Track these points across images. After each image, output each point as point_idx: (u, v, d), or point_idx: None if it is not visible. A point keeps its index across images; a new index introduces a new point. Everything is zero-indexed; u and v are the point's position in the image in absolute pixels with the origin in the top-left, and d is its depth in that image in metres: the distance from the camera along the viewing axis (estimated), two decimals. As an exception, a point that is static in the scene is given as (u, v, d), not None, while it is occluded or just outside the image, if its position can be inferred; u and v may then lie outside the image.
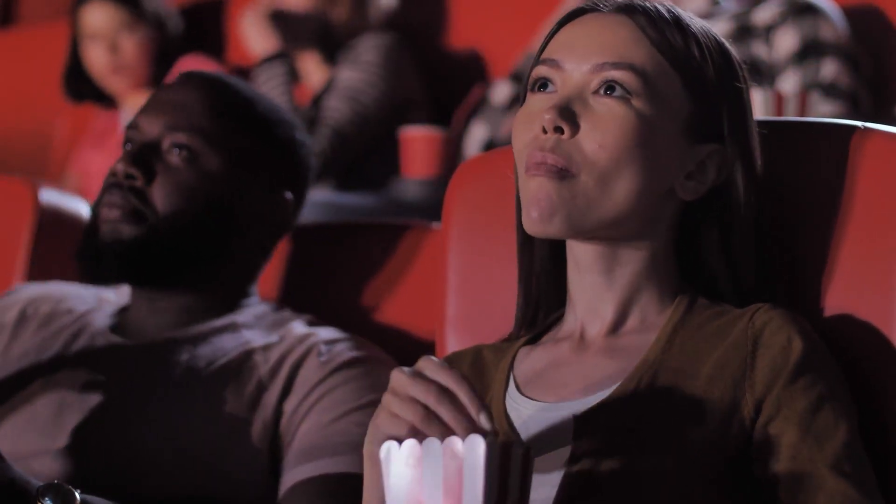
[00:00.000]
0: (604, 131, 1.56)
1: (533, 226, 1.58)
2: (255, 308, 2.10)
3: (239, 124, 2.08)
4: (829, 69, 2.93)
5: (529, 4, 3.56)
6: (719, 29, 2.97)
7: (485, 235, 1.87)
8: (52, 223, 2.37)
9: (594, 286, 1.63)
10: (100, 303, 2.15)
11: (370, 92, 3.37)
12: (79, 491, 1.75)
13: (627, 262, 1.62)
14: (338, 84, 3.40)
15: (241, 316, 2.07)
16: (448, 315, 1.87)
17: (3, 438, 1.92)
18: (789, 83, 2.92)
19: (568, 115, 1.57)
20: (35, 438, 1.97)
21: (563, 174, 1.56)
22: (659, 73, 1.59)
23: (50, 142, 4.05)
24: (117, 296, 2.16)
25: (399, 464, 1.41)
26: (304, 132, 2.19)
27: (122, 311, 2.12)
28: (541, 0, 3.50)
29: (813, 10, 2.98)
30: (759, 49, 2.97)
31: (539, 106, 1.60)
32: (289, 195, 2.12)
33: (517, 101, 3.21)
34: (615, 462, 1.52)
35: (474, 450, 1.38)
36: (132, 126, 2.08)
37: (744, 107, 1.63)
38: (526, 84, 1.64)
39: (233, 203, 2.07)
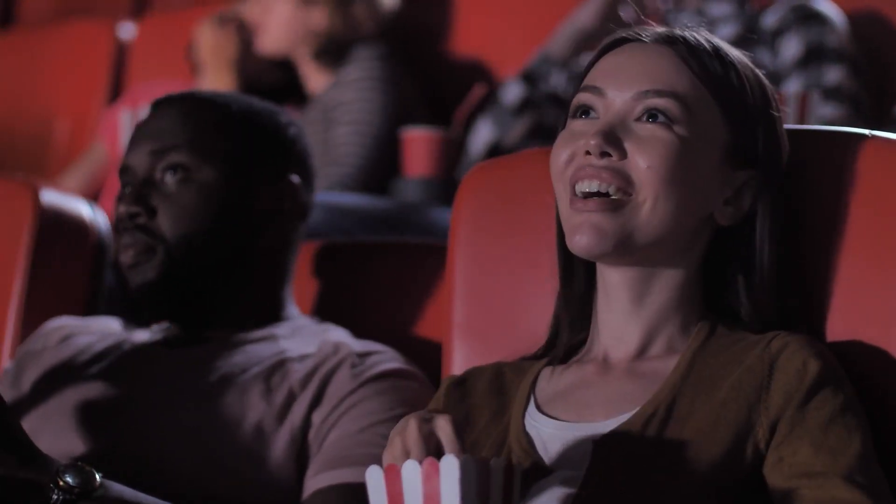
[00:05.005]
0: (650, 154, 1.60)
1: (581, 250, 1.61)
2: (295, 321, 2.12)
3: (222, 127, 2.10)
4: (832, 75, 2.93)
5: (532, 4, 3.56)
6: (725, 34, 2.98)
7: (492, 242, 1.87)
8: (52, 224, 2.37)
9: (622, 313, 1.65)
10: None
11: (372, 116, 3.37)
12: (100, 473, 1.76)
13: (658, 291, 1.65)
14: (339, 113, 3.39)
15: (279, 328, 2.09)
16: (455, 320, 1.88)
17: (38, 439, 1.94)
18: (792, 88, 2.92)
19: (613, 139, 1.61)
20: (68, 441, 1.99)
21: (614, 204, 1.60)
22: (699, 102, 1.62)
23: (50, 142, 4.05)
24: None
25: (381, 487, 1.43)
26: (287, 115, 2.20)
27: (163, 329, 2.14)
28: (544, 0, 3.50)
29: (818, 18, 2.99)
30: (763, 55, 2.98)
31: (581, 130, 1.63)
32: (294, 178, 2.13)
33: (528, 104, 3.21)
34: (630, 484, 1.53)
35: (450, 468, 1.41)
36: (124, 170, 2.10)
37: (777, 136, 1.67)
38: (566, 111, 1.67)
39: (239, 206, 2.08)
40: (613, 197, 1.60)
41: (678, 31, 1.67)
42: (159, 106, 2.14)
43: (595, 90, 1.65)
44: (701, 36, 1.67)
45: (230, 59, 3.53)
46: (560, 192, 1.65)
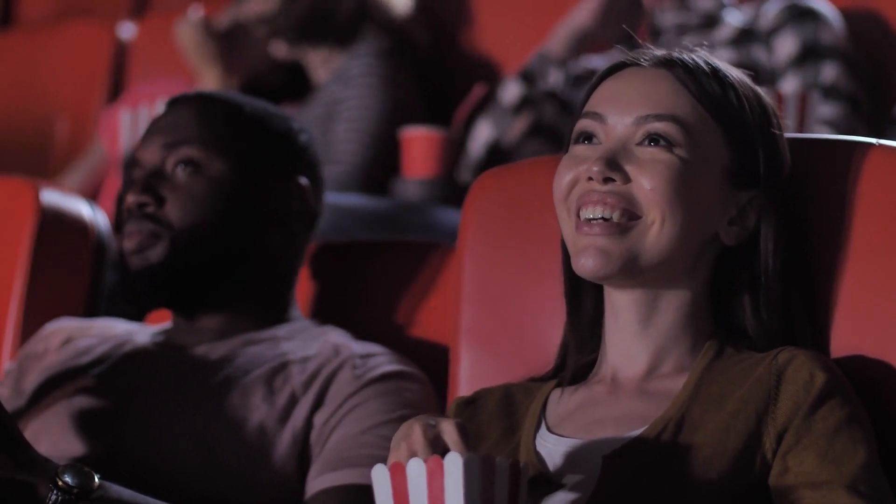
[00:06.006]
0: (652, 176, 1.61)
1: (587, 272, 1.62)
2: (296, 323, 2.12)
3: (234, 127, 2.11)
4: (828, 72, 2.94)
5: (533, 4, 3.56)
6: (722, 34, 2.98)
7: (499, 248, 1.88)
8: (53, 224, 2.37)
9: (631, 334, 1.66)
10: (141, 327, 2.19)
11: (370, 114, 3.37)
12: (98, 475, 1.77)
13: (665, 311, 1.66)
14: (339, 109, 3.39)
15: (281, 330, 2.09)
16: (462, 325, 1.88)
17: (40, 442, 1.95)
18: (789, 86, 2.93)
19: (614, 165, 1.61)
20: (70, 443, 1.99)
21: (620, 228, 1.61)
22: (699, 124, 1.63)
23: (50, 142, 4.05)
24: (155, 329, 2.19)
25: (387, 485, 1.44)
26: (300, 122, 2.21)
27: (165, 331, 2.14)
28: (545, 0, 3.50)
29: (812, 15, 2.99)
30: (759, 53, 2.99)
31: (584, 155, 1.65)
32: (303, 180, 2.14)
33: (526, 102, 3.21)
34: (640, 497, 1.54)
35: (454, 466, 1.42)
36: (134, 163, 2.10)
37: (779, 154, 1.67)
38: (569, 136, 1.68)
39: (248, 203, 2.09)
40: (618, 221, 1.61)
41: (676, 54, 1.68)
42: (173, 104, 2.16)
43: (596, 116, 1.66)
44: (699, 58, 1.68)
45: (211, 55, 3.53)
46: (563, 217, 1.66)
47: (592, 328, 1.71)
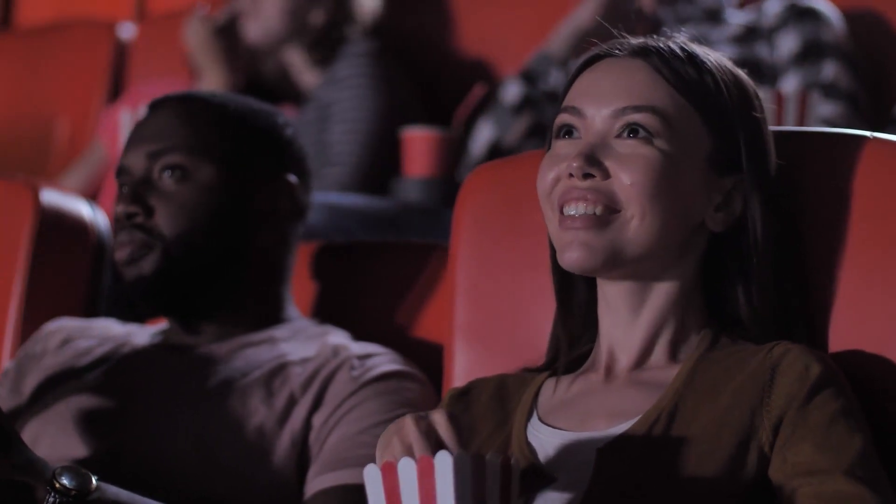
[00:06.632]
0: (632, 170, 1.60)
1: (571, 265, 1.62)
2: (295, 323, 2.12)
3: (219, 128, 2.10)
4: (829, 70, 2.95)
5: (532, 3, 3.56)
6: (728, 31, 2.98)
7: (494, 243, 1.88)
8: (52, 224, 2.37)
9: (622, 323, 1.66)
10: (140, 328, 2.19)
11: (364, 114, 3.37)
12: (96, 476, 1.76)
13: (656, 300, 1.65)
14: (333, 111, 3.39)
15: (279, 330, 2.09)
16: (456, 322, 1.88)
17: (39, 444, 1.95)
18: (790, 84, 2.94)
19: (594, 161, 1.61)
20: (69, 445, 1.99)
21: (601, 221, 1.60)
22: (678, 112, 1.62)
23: (50, 142, 4.05)
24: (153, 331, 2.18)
25: (379, 484, 1.44)
26: (284, 116, 2.20)
27: (164, 333, 2.14)
28: None
29: (813, 14, 3.01)
30: (761, 50, 2.99)
31: (565, 151, 1.64)
32: (292, 178, 2.13)
33: (528, 102, 3.21)
34: (634, 490, 1.54)
35: (444, 464, 1.42)
36: (121, 171, 2.10)
37: (762, 136, 1.66)
38: (550, 131, 1.68)
39: (237, 205, 2.08)
40: (600, 215, 1.61)
41: (651, 42, 1.67)
42: (156, 107, 2.14)
43: (574, 111, 1.65)
44: (675, 44, 1.67)
45: (217, 53, 3.52)
46: (548, 214, 1.66)
47: (586, 319, 1.71)
